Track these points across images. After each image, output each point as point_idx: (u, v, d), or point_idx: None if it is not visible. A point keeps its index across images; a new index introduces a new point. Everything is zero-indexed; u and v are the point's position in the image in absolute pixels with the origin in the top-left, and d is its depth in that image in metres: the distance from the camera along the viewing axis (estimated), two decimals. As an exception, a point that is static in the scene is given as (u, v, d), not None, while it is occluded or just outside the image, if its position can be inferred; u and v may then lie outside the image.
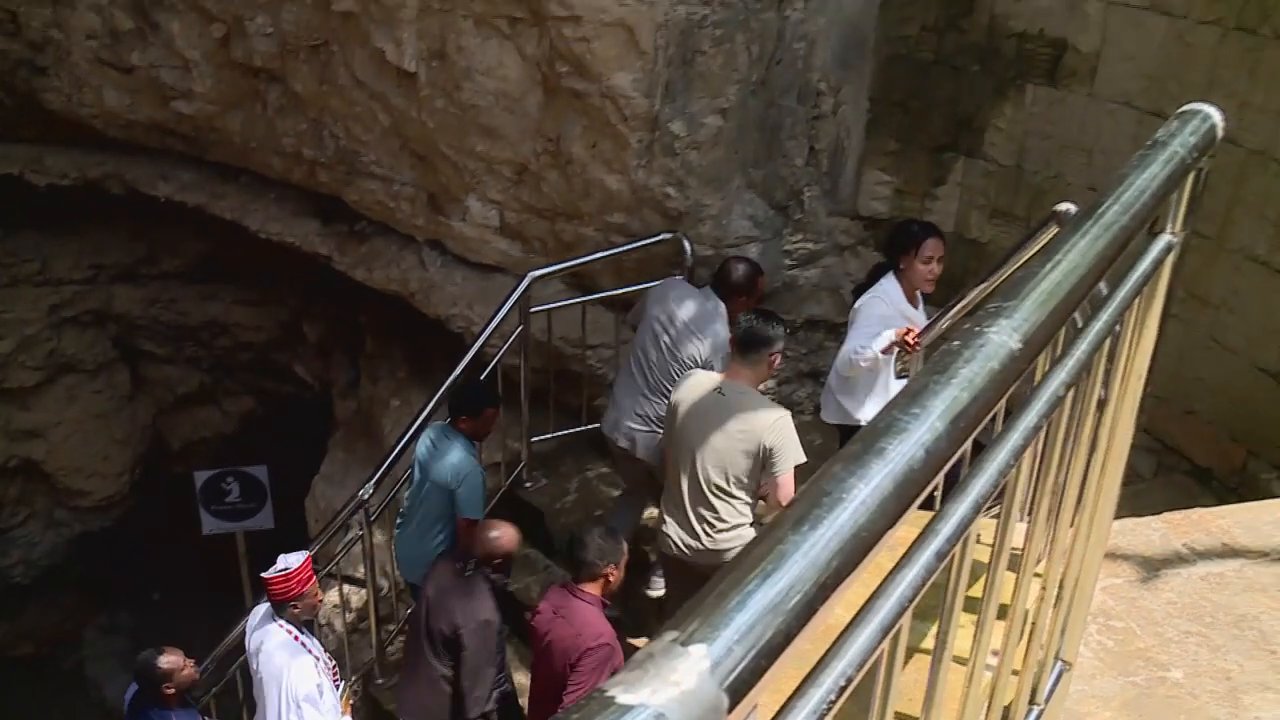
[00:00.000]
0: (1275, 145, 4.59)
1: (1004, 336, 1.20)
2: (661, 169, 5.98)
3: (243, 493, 9.83)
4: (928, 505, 1.31)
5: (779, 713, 0.97)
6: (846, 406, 5.14)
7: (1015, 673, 2.08)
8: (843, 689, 1.01)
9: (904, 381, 4.46)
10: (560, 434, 6.64)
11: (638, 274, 6.25)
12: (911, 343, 4.63)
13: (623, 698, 0.71)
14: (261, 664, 4.87)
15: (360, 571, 6.40)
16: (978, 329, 1.21)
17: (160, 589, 11.31)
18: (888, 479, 0.97)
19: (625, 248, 6.16)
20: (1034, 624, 2.05)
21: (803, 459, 4.44)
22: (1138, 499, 4.97)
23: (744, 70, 5.89)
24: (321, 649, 5.07)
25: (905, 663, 2.39)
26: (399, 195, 7.22)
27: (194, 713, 5.39)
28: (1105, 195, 1.57)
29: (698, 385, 4.60)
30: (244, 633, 5.26)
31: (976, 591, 1.71)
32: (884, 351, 4.78)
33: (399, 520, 5.81)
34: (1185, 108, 1.89)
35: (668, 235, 6.08)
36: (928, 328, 4.63)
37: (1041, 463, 1.72)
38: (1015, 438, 1.42)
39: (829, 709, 0.99)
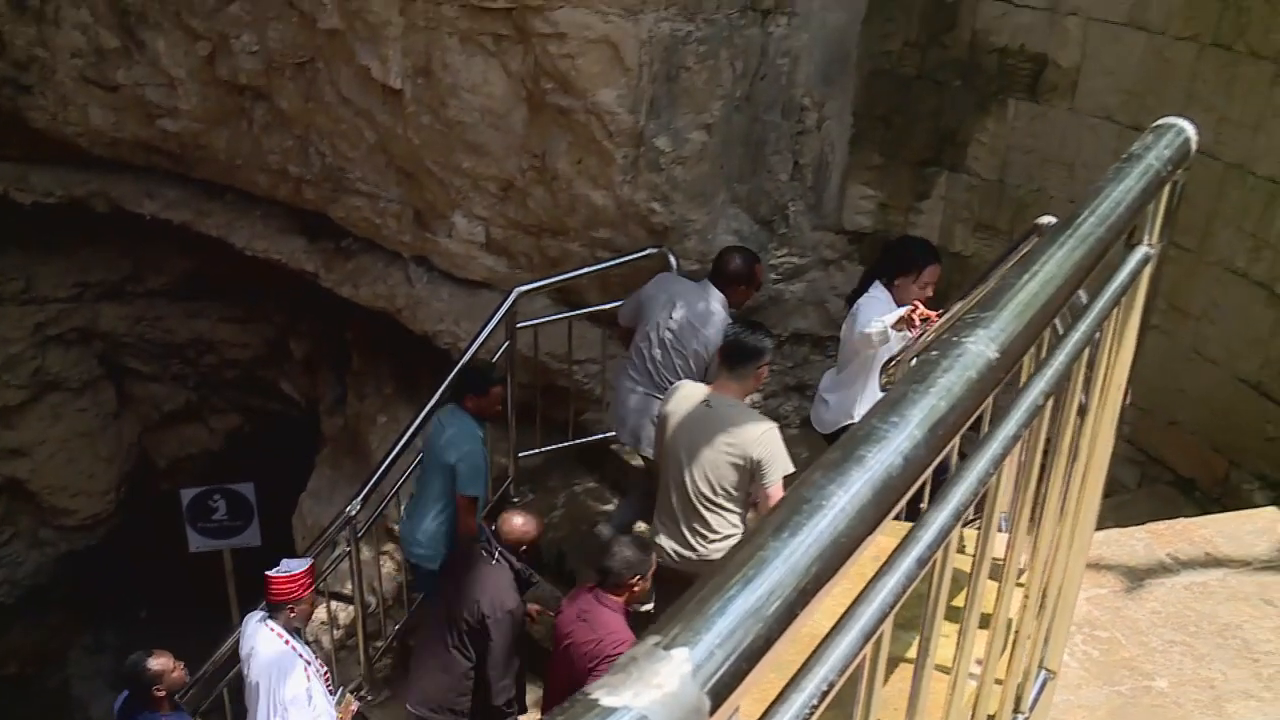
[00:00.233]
0: (1252, 159, 4.64)
1: (982, 346, 1.22)
2: (647, 184, 6.01)
3: (229, 510, 9.79)
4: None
5: (762, 718, 0.99)
6: (840, 411, 5.16)
7: (999, 682, 2.09)
8: (825, 694, 1.03)
9: None
10: (547, 449, 6.66)
11: (623, 289, 6.27)
12: (919, 318, 4.56)
13: (606, 700, 0.73)
14: (252, 667, 4.88)
15: (348, 588, 6.39)
16: (956, 339, 1.23)
17: (147, 607, 11.23)
18: (866, 486, 0.98)
19: (611, 263, 6.18)
20: (1017, 633, 2.07)
21: (791, 470, 4.47)
22: (1122, 509, 5.00)
23: (728, 86, 5.93)
24: (313, 654, 5.08)
25: (890, 673, 2.41)
26: (385, 212, 7.24)
27: (185, 715, 5.38)
28: (1082, 208, 1.60)
29: (686, 398, 4.62)
30: (233, 646, 5.26)
31: (962, 601, 1.73)
32: (894, 326, 4.76)
33: (407, 503, 5.92)
34: (1159, 122, 1.92)
35: (653, 250, 6.11)
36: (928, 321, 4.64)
37: (1022, 472, 1.75)
38: (995, 446, 1.44)
39: (811, 714, 1.00)
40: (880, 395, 5.12)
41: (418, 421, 5.97)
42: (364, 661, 6.22)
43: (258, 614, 5.04)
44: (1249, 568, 3.72)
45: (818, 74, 6.18)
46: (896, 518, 1.44)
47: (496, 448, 6.45)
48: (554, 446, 6.66)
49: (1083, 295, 1.87)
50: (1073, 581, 2.32)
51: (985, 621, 1.88)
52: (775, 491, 4.44)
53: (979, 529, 1.63)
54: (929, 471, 1.11)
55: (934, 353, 1.20)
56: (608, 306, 6.30)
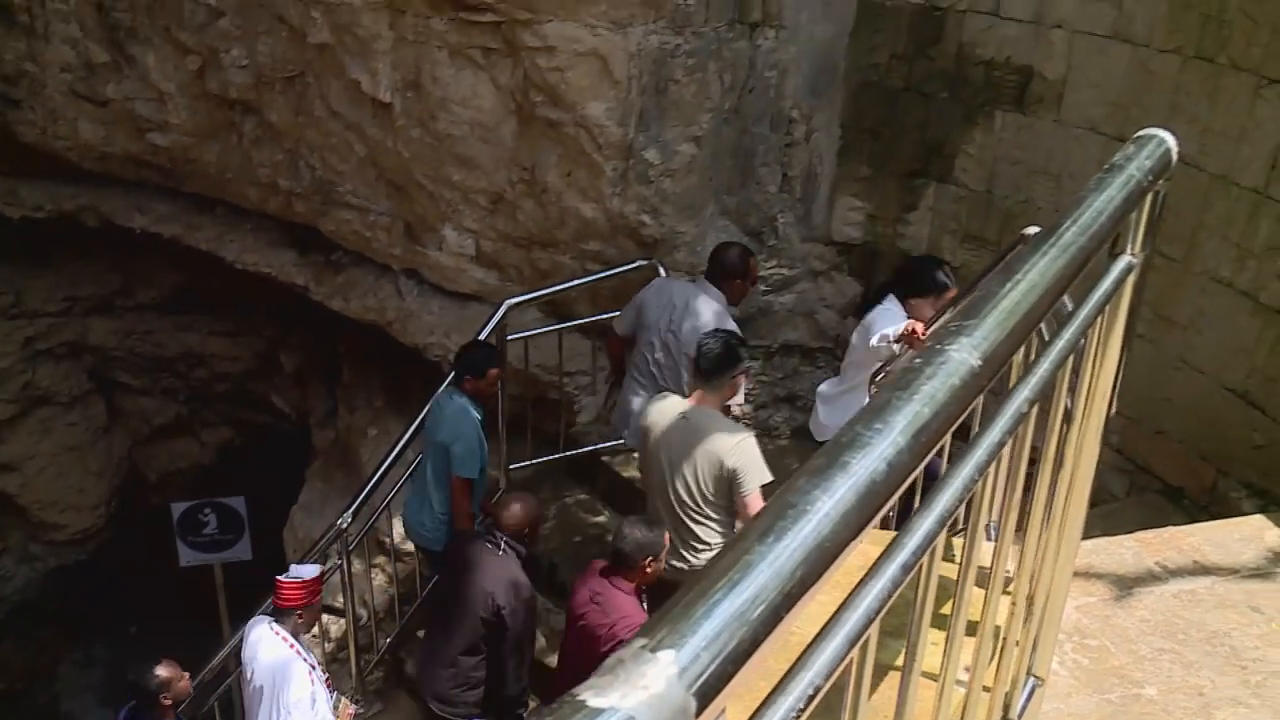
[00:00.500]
0: (1235, 169, 4.68)
1: (964, 354, 1.24)
2: (636, 197, 6.04)
3: (220, 524, 9.76)
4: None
5: (749, 721, 1.00)
6: (843, 420, 5.18)
7: (987, 689, 2.11)
8: (811, 698, 1.04)
9: None
10: (538, 461, 6.66)
11: (613, 301, 6.29)
12: (920, 335, 4.68)
13: (593, 701, 0.74)
14: (255, 670, 4.87)
15: (339, 601, 6.38)
16: (939, 347, 1.25)
17: (137, 622, 11.18)
18: (850, 492, 1.00)
19: (601, 275, 6.21)
20: (1005, 640, 2.08)
21: (768, 478, 4.48)
22: (1111, 518, 5.02)
23: (717, 98, 5.96)
24: (315, 660, 5.08)
25: (880, 680, 2.42)
26: (375, 225, 7.25)
27: None
28: (1064, 217, 1.62)
29: (663, 411, 4.66)
30: (226, 659, 5.26)
31: (950, 609, 1.74)
32: (895, 341, 4.85)
33: (410, 488, 6.00)
34: (1141, 133, 1.94)
35: (643, 262, 6.14)
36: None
37: (1008, 479, 1.76)
38: (980, 454, 1.45)
39: (798, 717, 1.01)
40: None
41: (408, 434, 5.98)
42: (355, 674, 6.21)
43: (263, 618, 5.05)
44: (1237, 575, 3.74)
45: (806, 86, 6.22)
46: (885, 527, 1.46)
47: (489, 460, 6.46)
48: (545, 458, 6.66)
49: (1068, 303, 1.90)
50: (1060, 589, 2.34)
51: (974, 629, 1.90)
52: (753, 501, 4.46)
53: (965, 537, 1.64)
54: (913, 478, 1.12)
55: (918, 360, 1.22)
56: (598, 319, 6.32)
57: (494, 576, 4.92)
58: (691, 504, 4.56)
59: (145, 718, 5.12)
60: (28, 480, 10.42)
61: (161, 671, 5.07)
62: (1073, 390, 2.06)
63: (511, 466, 6.51)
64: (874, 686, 2.43)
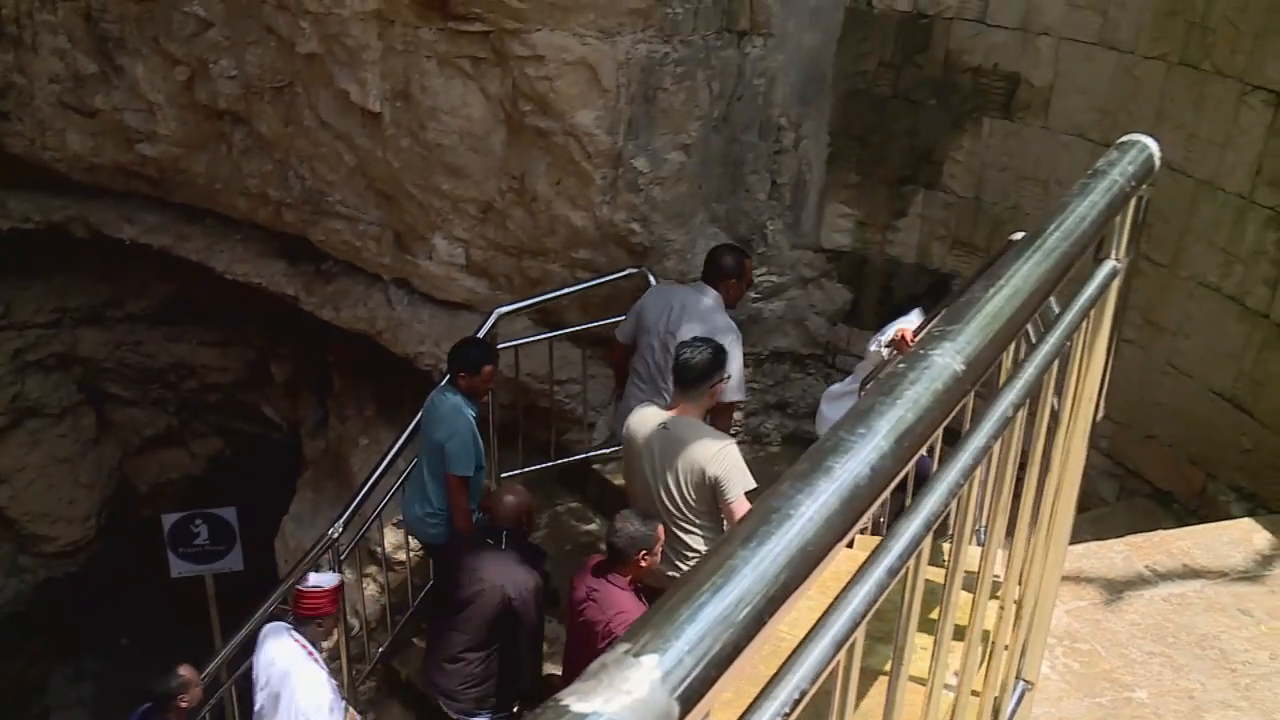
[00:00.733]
0: (1221, 175, 4.70)
1: (948, 359, 1.24)
2: (626, 205, 6.05)
3: (211, 535, 9.73)
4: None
5: (734, 726, 1.00)
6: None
7: (976, 693, 2.11)
8: (796, 702, 1.05)
9: None
10: (529, 469, 6.65)
11: (604, 309, 6.30)
12: (909, 341, 4.75)
13: (576, 706, 0.74)
14: (272, 677, 4.86)
15: (330, 612, 6.36)
16: (923, 352, 1.25)
17: (128, 634, 11.15)
18: (834, 496, 1.00)
19: (591, 283, 6.22)
20: (993, 644, 2.09)
21: (752, 485, 4.49)
22: (1101, 522, 5.04)
23: (705, 107, 5.98)
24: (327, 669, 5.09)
25: (869, 686, 2.43)
26: (365, 234, 7.25)
27: None
28: (1047, 222, 1.63)
29: (644, 422, 4.67)
30: (217, 667, 5.25)
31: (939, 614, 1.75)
32: (886, 346, 4.91)
33: (409, 485, 6.01)
34: (1124, 138, 1.95)
35: (633, 270, 6.15)
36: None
37: (995, 484, 1.77)
38: (965, 458, 1.46)
39: (783, 722, 1.02)
40: None
41: (399, 444, 5.98)
42: (348, 684, 6.19)
43: (280, 626, 5.05)
44: (1226, 578, 3.76)
45: (794, 94, 6.24)
46: (876, 533, 1.47)
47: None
48: (536, 467, 6.65)
49: (1055, 306, 1.91)
50: (1049, 593, 2.35)
51: (962, 634, 1.90)
52: (739, 507, 4.47)
53: (951, 541, 1.65)
54: (900, 479, 1.13)
55: (901, 365, 1.23)
56: (588, 327, 6.33)
57: (501, 572, 4.96)
58: (678, 513, 4.57)
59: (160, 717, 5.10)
60: (17, 492, 10.38)
61: (184, 672, 5.09)
62: (1059, 394, 2.07)
63: (503, 475, 6.51)
64: (864, 691, 2.44)
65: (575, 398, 6.68)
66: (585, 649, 4.49)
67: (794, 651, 1.09)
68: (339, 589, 5.08)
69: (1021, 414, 1.66)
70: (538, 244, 6.41)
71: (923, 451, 1.17)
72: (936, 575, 1.67)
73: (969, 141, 5.98)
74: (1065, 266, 1.61)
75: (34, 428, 10.32)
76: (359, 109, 6.61)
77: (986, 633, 2.07)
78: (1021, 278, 1.48)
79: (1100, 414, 2.35)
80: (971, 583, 1.88)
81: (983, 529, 2.22)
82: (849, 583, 1.19)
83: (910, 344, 4.71)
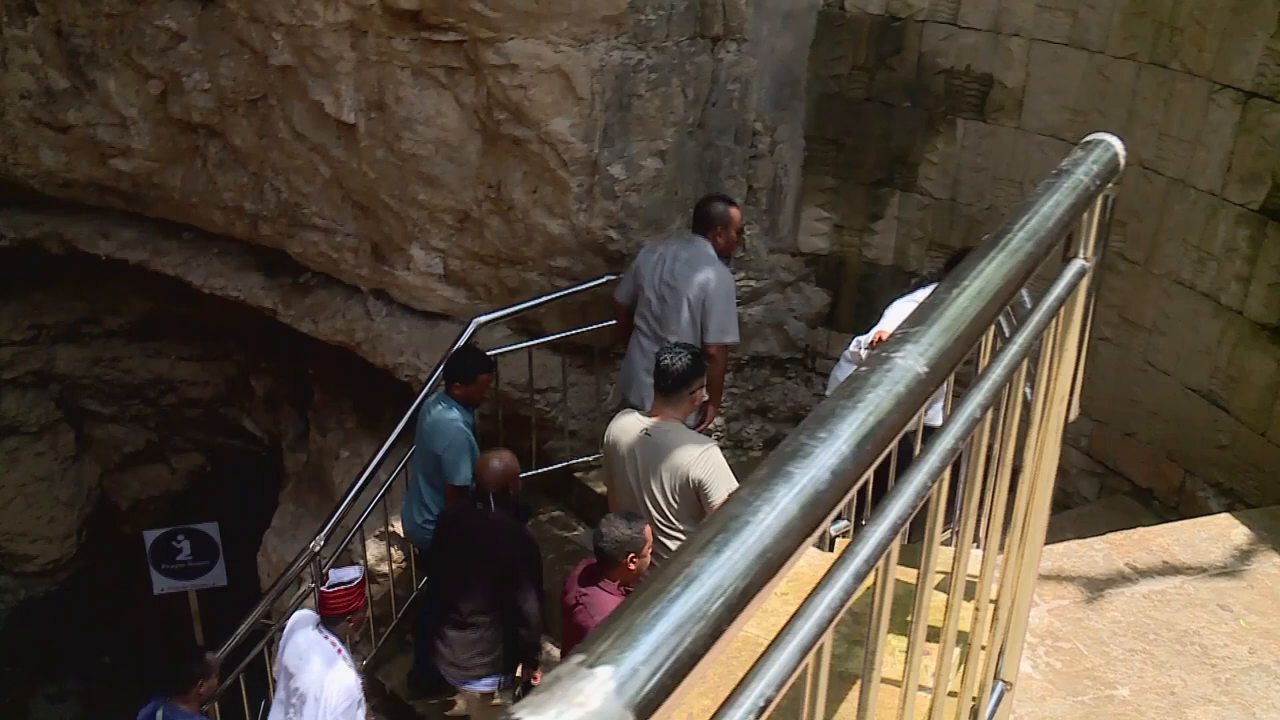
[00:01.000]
0: (1192, 173, 4.73)
1: (910, 361, 1.24)
2: (603, 212, 6.04)
3: (194, 550, 9.65)
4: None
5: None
6: None
7: (954, 694, 2.11)
8: (762, 710, 1.04)
9: None
10: (511, 479, 6.63)
11: (583, 317, 6.30)
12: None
13: (529, 718, 0.74)
14: (301, 672, 4.85)
15: (313, 626, 6.33)
16: (885, 355, 1.25)
17: (111, 652, 11.07)
18: (794, 502, 1.00)
19: (569, 291, 6.22)
20: (969, 645, 2.09)
21: (735, 486, 4.49)
22: (1082, 521, 5.06)
23: (680, 113, 5.98)
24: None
25: (848, 690, 2.42)
26: (342, 246, 7.23)
27: None
28: (1011, 223, 1.63)
29: (627, 428, 4.69)
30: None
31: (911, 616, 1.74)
32: (867, 347, 4.95)
33: (407, 491, 6.04)
34: (1089, 137, 1.96)
35: (611, 277, 6.15)
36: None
37: (965, 485, 1.77)
38: (932, 460, 1.46)
39: (749, 729, 1.01)
40: None
41: (379, 455, 5.96)
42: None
43: (308, 615, 5.04)
44: (1205, 574, 3.77)
45: (768, 99, 6.25)
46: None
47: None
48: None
49: (1029, 302, 1.92)
50: (1025, 592, 2.35)
51: (939, 636, 1.90)
52: None
53: (946, 544, 1.65)
54: (858, 486, 1.12)
55: (863, 369, 1.22)
56: (568, 335, 6.33)
57: (492, 530, 5.05)
58: (662, 519, 4.57)
59: (177, 710, 5.06)
60: (-4, 511, 10.30)
61: (210, 657, 5.15)
62: (1030, 394, 2.07)
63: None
64: (842, 696, 2.43)
65: (556, 406, 6.67)
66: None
67: (759, 659, 1.08)
68: (363, 581, 5.09)
69: (989, 416, 1.66)
70: (515, 253, 6.39)
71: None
72: (913, 578, 1.67)
73: (943, 143, 6.00)
74: (1030, 266, 1.61)
75: (12, 446, 10.24)
76: (334, 120, 6.58)
77: (963, 634, 2.07)
78: (985, 278, 1.48)
79: (1075, 413, 2.35)
80: (949, 585, 1.88)
81: (956, 530, 2.22)
82: (815, 588, 1.18)
83: None
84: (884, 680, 1.92)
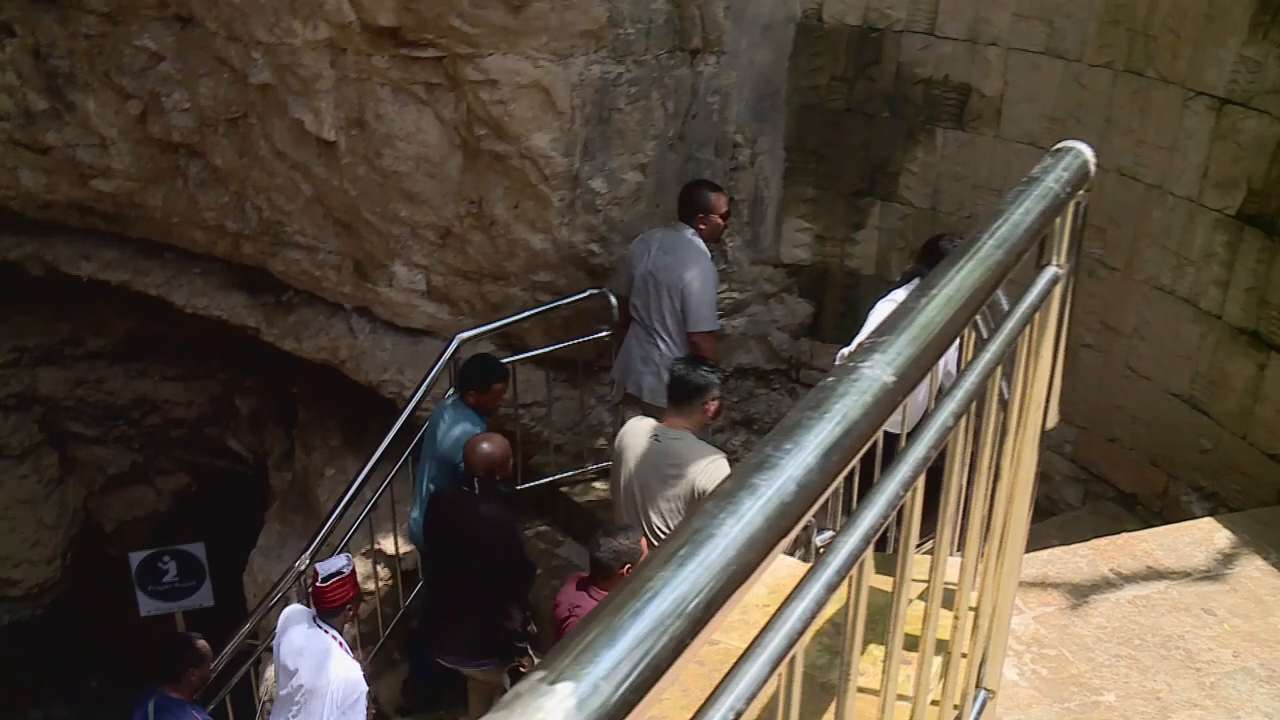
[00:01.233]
0: (1170, 179, 4.76)
1: (878, 371, 1.24)
2: (584, 226, 6.05)
3: (180, 571, 9.61)
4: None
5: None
6: None
7: (935, 703, 2.11)
8: (732, 723, 1.03)
9: None
10: (497, 494, 6.61)
11: (566, 331, 6.29)
12: None
13: (487, 737, 0.73)
14: (303, 669, 4.81)
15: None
16: (852, 364, 1.25)
17: (98, 675, 10.99)
18: (759, 515, 0.99)
19: (552, 305, 6.21)
20: (950, 653, 2.08)
21: None
22: (1067, 527, 5.07)
23: (661, 126, 6.00)
24: None
25: (828, 702, 2.41)
26: (325, 264, 7.21)
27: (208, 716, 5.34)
28: (980, 231, 1.64)
29: (637, 432, 4.70)
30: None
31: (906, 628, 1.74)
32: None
33: (414, 498, 5.99)
34: (1059, 145, 1.97)
35: (594, 291, 6.16)
36: None
37: (940, 492, 1.77)
38: (905, 469, 1.46)
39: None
40: None
41: (364, 473, 5.94)
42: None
43: (302, 611, 5.01)
44: (1189, 579, 3.78)
45: (748, 111, 6.27)
46: None
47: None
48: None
49: (1005, 305, 1.92)
50: (1005, 600, 2.35)
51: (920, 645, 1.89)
52: None
53: (928, 554, 1.65)
54: (825, 496, 1.12)
55: (830, 379, 1.22)
56: (551, 349, 6.32)
57: (475, 514, 5.07)
58: (663, 525, 4.56)
59: (169, 698, 5.03)
60: (-21, 536, 10.22)
61: (201, 644, 5.09)
62: (1006, 402, 2.07)
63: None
64: (824, 707, 2.42)
65: (540, 420, 6.66)
66: None
67: (728, 672, 1.08)
68: (353, 569, 5.07)
69: (963, 424, 1.66)
70: (498, 268, 6.39)
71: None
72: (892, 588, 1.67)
73: (923, 153, 6.03)
74: (1001, 274, 1.61)
75: (-6, 469, 10.19)
76: (314, 138, 6.57)
77: (944, 642, 2.07)
78: (955, 286, 1.48)
79: (1054, 420, 2.35)
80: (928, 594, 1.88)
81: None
82: (785, 600, 1.18)
83: None
84: (865, 690, 1.92)
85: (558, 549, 6.57)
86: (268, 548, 8.39)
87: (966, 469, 1.97)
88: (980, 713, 2.36)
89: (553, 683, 0.79)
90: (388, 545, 6.57)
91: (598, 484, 6.64)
